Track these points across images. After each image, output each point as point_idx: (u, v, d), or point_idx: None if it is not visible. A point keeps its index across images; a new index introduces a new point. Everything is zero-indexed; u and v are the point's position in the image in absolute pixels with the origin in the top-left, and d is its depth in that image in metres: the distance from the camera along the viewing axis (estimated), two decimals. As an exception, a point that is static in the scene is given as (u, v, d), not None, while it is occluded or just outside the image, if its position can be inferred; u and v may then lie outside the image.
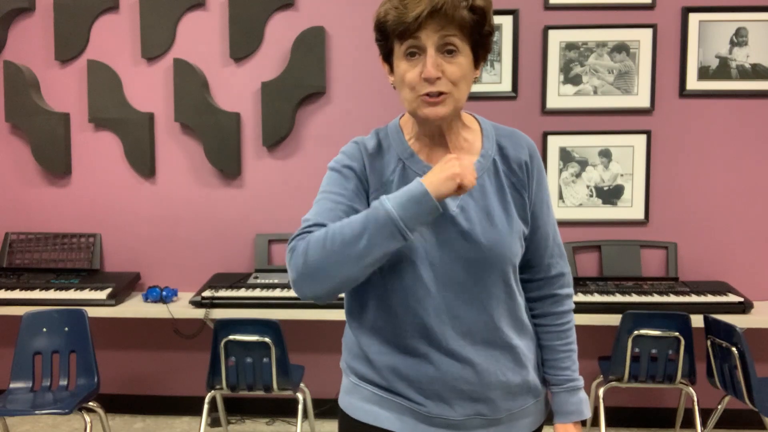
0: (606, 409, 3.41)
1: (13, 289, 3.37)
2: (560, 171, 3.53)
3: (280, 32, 3.58)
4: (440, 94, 1.23)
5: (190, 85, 3.56)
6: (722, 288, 3.31)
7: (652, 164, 3.51)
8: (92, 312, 3.19)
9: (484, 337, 1.31)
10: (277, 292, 3.26)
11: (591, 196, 3.54)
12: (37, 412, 2.73)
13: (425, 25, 1.20)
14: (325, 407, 3.64)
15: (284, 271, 3.54)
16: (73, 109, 3.70)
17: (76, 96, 3.69)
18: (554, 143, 3.51)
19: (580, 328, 3.55)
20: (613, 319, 3.05)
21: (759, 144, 3.48)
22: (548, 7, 3.48)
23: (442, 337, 1.29)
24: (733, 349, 2.75)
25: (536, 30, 3.50)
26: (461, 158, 1.20)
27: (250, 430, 3.61)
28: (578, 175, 3.53)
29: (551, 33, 3.48)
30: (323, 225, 1.25)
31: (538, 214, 1.38)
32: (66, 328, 2.99)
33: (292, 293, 3.23)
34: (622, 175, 3.52)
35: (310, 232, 1.25)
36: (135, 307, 3.32)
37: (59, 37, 3.64)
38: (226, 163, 3.61)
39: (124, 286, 3.44)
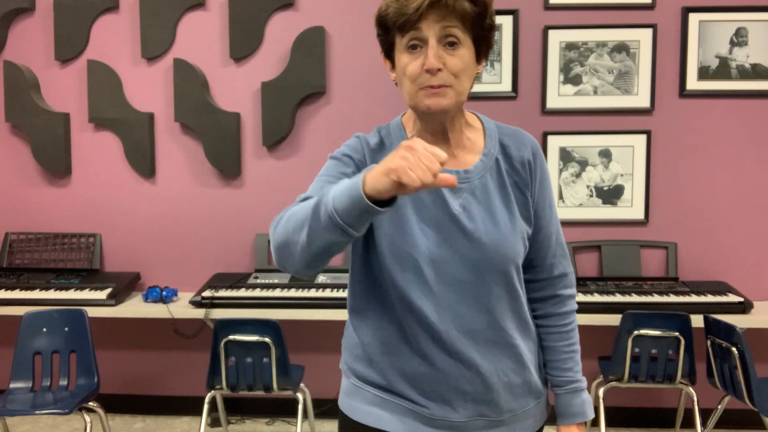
0: (606, 409, 3.41)
1: (13, 289, 3.37)
2: (560, 171, 3.53)
3: (280, 32, 3.58)
4: (442, 86, 1.23)
5: (190, 85, 3.56)
6: (722, 288, 3.31)
7: (652, 164, 3.51)
8: (92, 312, 3.19)
9: (486, 337, 1.30)
10: (277, 292, 3.26)
11: (591, 196, 3.54)
12: (37, 412, 2.73)
13: (426, 16, 1.20)
14: (325, 407, 3.64)
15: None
16: (73, 109, 3.70)
17: (76, 96, 3.69)
18: (554, 143, 3.51)
19: (580, 328, 3.54)
20: (613, 319, 3.05)
21: (759, 144, 3.48)
22: (548, 7, 3.48)
23: (445, 336, 1.29)
24: (733, 349, 2.75)
25: (536, 30, 3.50)
26: (416, 148, 1.01)
27: (250, 430, 3.61)
28: (578, 175, 3.53)
29: (551, 33, 3.48)
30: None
31: (540, 213, 1.36)
32: (66, 328, 2.99)
33: (292, 293, 3.23)
34: (622, 175, 3.52)
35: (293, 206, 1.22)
36: (135, 307, 3.32)
37: (59, 37, 3.64)
38: (226, 163, 3.61)
39: (124, 286, 3.44)
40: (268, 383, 2.88)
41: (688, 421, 3.44)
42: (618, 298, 3.19)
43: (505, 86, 3.52)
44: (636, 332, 2.91)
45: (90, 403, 2.93)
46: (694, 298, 3.16)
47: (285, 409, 3.73)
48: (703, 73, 3.46)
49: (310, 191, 1.26)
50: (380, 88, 3.57)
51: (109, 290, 3.34)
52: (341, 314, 3.15)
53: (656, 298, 3.17)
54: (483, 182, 1.31)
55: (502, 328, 1.31)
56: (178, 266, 3.71)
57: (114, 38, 3.66)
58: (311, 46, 3.53)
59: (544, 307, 1.41)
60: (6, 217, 3.77)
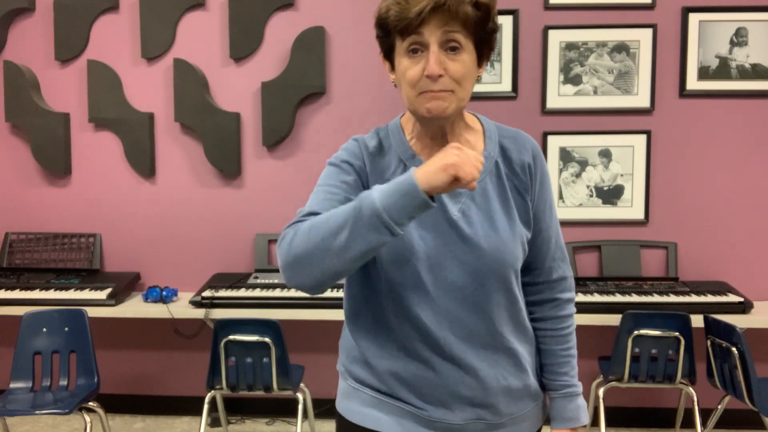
0: (606, 409, 3.40)
1: (13, 289, 3.37)
2: (560, 171, 3.53)
3: (280, 32, 3.58)
4: (443, 91, 1.21)
5: (190, 85, 3.56)
6: (722, 288, 3.31)
7: (652, 164, 3.51)
8: (92, 312, 3.19)
9: (485, 342, 1.29)
10: (277, 292, 3.26)
11: (591, 196, 3.54)
12: (37, 412, 2.73)
13: (428, 21, 1.18)
14: (325, 407, 3.64)
15: (284, 271, 3.53)
16: (73, 109, 3.70)
17: (76, 96, 3.69)
18: (554, 143, 3.51)
19: (580, 328, 3.54)
20: (613, 319, 3.05)
21: (759, 144, 3.48)
22: (548, 7, 3.48)
23: (443, 341, 1.28)
24: (733, 349, 2.75)
25: (536, 30, 3.50)
26: (463, 148, 1.12)
27: (250, 430, 3.61)
28: (578, 175, 3.53)
29: (551, 33, 3.48)
30: (317, 214, 1.22)
31: (540, 216, 1.35)
32: (66, 328, 2.99)
33: (292, 293, 3.23)
34: (622, 175, 3.52)
35: (301, 221, 1.21)
36: (135, 307, 3.32)
37: (59, 37, 3.64)
38: (226, 163, 3.61)
39: (124, 286, 3.44)
40: (268, 383, 2.88)
41: (688, 421, 3.44)
42: (618, 298, 3.19)
43: (505, 86, 3.52)
44: (636, 332, 2.91)
45: (90, 403, 2.93)
46: (694, 298, 3.16)
47: (285, 409, 3.73)
48: (703, 73, 3.46)
49: (312, 203, 1.25)
50: (380, 88, 3.57)
51: (109, 290, 3.34)
52: (341, 314, 3.15)
53: (656, 298, 3.17)
54: (482, 186, 1.30)
55: (501, 333, 1.30)
56: (178, 266, 3.71)
57: (114, 38, 3.66)
58: (311, 46, 3.53)
59: (542, 310, 1.40)
60: (6, 217, 3.77)
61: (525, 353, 1.35)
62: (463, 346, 1.29)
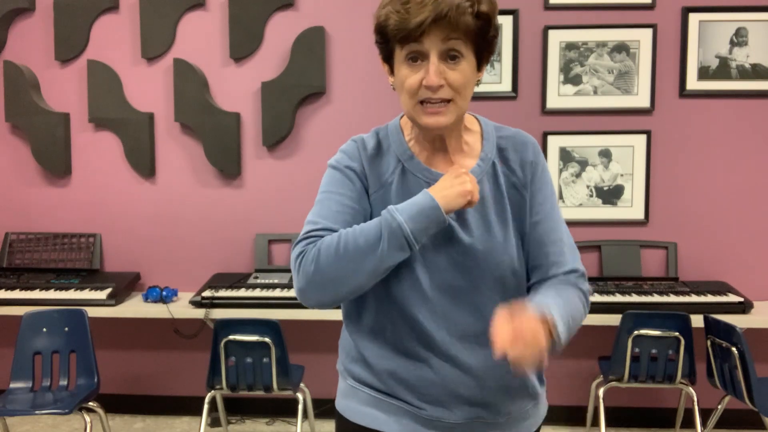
0: (606, 409, 3.40)
1: (13, 289, 3.37)
2: (560, 171, 3.53)
3: (280, 32, 3.58)
4: (442, 101, 1.20)
5: (190, 85, 3.56)
6: (722, 288, 3.31)
7: (652, 164, 3.51)
8: (92, 312, 3.19)
9: (482, 342, 1.29)
10: (277, 292, 3.26)
11: (591, 196, 3.53)
12: (37, 412, 2.73)
13: (428, 32, 1.16)
14: (325, 407, 3.64)
15: (284, 271, 3.54)
16: (73, 109, 3.70)
17: (76, 96, 3.69)
18: (554, 143, 3.51)
19: (580, 328, 3.54)
20: (613, 319, 3.05)
21: (759, 144, 3.48)
22: (548, 7, 3.48)
23: (440, 341, 1.28)
24: (733, 349, 2.75)
25: (536, 30, 3.50)
26: (467, 172, 1.21)
27: (250, 430, 3.61)
28: (578, 175, 3.53)
29: (551, 33, 3.48)
30: (331, 229, 1.23)
31: (538, 209, 1.32)
32: (66, 328, 2.99)
33: (292, 293, 3.23)
34: (622, 175, 3.52)
35: (319, 236, 1.23)
36: (135, 307, 3.32)
37: (59, 37, 3.64)
38: (226, 163, 3.61)
39: (124, 286, 3.44)
40: (268, 383, 2.88)
41: (688, 421, 3.44)
42: (618, 298, 3.19)
43: (505, 86, 3.52)
44: (636, 332, 2.91)
45: (90, 403, 2.93)
46: (694, 298, 3.16)
47: (285, 409, 3.73)
48: (703, 73, 3.46)
49: (322, 214, 1.26)
50: (380, 88, 3.57)
51: (109, 290, 3.34)
52: (341, 314, 3.14)
53: (656, 298, 3.17)
54: (480, 187, 1.29)
55: None
56: (178, 266, 3.71)
57: (114, 38, 3.66)
58: (311, 46, 3.52)
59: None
60: (6, 217, 3.77)
61: None
62: (460, 345, 1.29)
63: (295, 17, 3.58)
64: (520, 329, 1.08)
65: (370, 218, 1.29)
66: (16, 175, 3.76)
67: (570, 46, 3.48)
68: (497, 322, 1.10)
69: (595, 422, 3.43)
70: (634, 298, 3.18)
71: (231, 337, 2.83)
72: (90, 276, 3.56)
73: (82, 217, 3.73)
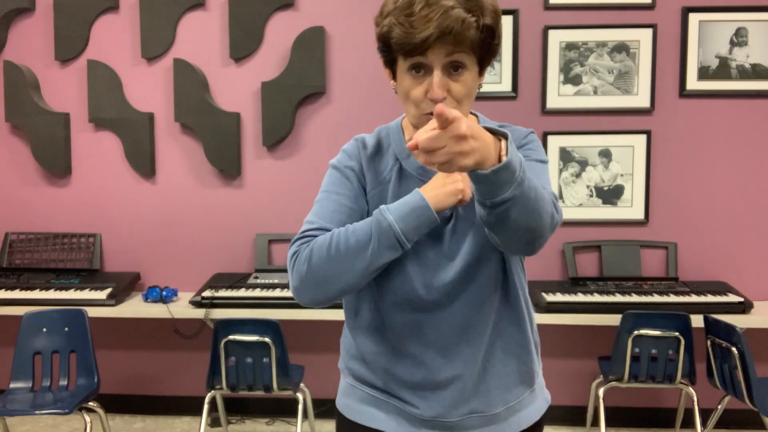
0: (606, 409, 3.40)
1: (13, 289, 3.37)
2: (560, 171, 3.53)
3: (280, 32, 3.58)
4: None
5: (190, 85, 3.56)
6: (722, 288, 3.31)
7: (652, 164, 3.51)
8: (92, 312, 3.19)
9: (477, 334, 1.30)
10: (277, 292, 3.26)
11: (591, 196, 3.53)
12: (37, 412, 2.73)
13: (433, 46, 1.16)
14: (325, 407, 3.64)
15: (284, 271, 3.54)
16: (73, 109, 3.70)
17: (76, 96, 3.69)
18: (554, 143, 3.51)
19: (580, 328, 3.55)
20: (613, 319, 3.05)
21: (759, 144, 3.48)
22: (548, 7, 3.48)
23: (434, 337, 1.29)
24: (733, 349, 2.75)
25: (536, 30, 3.50)
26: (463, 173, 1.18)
27: (250, 430, 3.61)
28: (578, 175, 3.53)
29: (551, 33, 3.48)
30: (326, 229, 1.25)
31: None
32: (66, 328, 2.99)
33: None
34: (622, 175, 3.52)
35: (313, 236, 1.25)
36: (135, 307, 3.32)
37: (59, 37, 3.64)
38: (226, 163, 3.61)
39: (124, 286, 3.44)
40: (268, 383, 2.88)
41: (688, 421, 3.44)
42: (618, 298, 3.19)
43: (505, 86, 3.52)
44: (636, 332, 2.91)
45: (90, 403, 2.93)
46: (694, 298, 3.16)
47: (285, 409, 3.73)
48: (703, 73, 3.46)
49: (319, 215, 1.27)
50: (380, 88, 3.57)
51: (109, 290, 3.34)
52: (341, 314, 3.14)
53: (656, 298, 3.17)
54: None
55: (494, 325, 1.31)
56: (178, 266, 3.71)
57: (114, 38, 3.66)
58: (311, 46, 3.52)
59: None
60: (6, 217, 3.77)
61: (519, 337, 1.34)
62: (455, 340, 1.30)
63: (295, 17, 3.58)
64: (451, 122, 0.95)
65: (368, 216, 1.30)
66: (16, 175, 3.76)
67: (570, 46, 3.48)
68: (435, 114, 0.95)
69: (595, 422, 3.43)
70: (634, 298, 3.18)
71: (231, 337, 2.83)
72: (90, 276, 3.56)
73: (82, 217, 3.73)
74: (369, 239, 1.18)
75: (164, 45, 3.61)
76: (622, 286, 3.33)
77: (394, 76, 1.28)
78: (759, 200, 3.49)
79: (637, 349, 2.94)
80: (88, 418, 2.83)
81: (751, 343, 3.45)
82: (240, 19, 3.56)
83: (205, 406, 3.03)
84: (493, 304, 1.31)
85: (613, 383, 3.05)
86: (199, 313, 3.22)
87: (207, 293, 3.27)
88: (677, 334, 2.89)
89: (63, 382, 2.98)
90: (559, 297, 3.19)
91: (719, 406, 3.03)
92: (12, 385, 2.93)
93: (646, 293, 3.23)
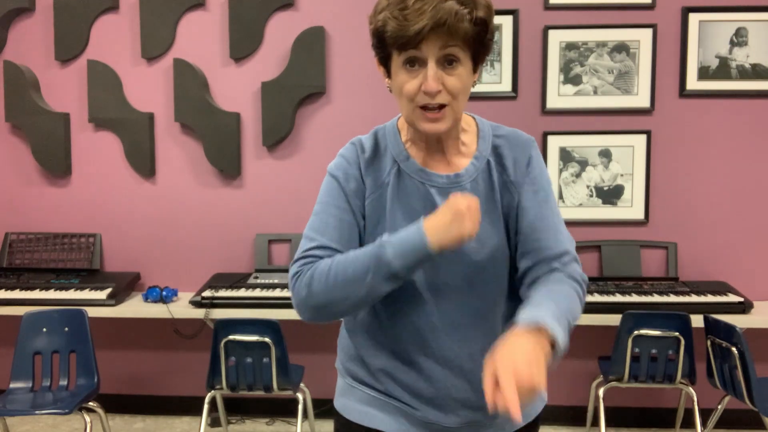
0: (606, 409, 3.40)
1: (13, 289, 3.37)
2: (560, 171, 3.53)
3: (280, 32, 3.58)
4: (440, 106, 1.21)
5: (190, 85, 3.56)
6: (722, 288, 3.31)
7: (652, 164, 3.51)
8: (92, 312, 3.19)
9: (480, 345, 1.29)
10: (277, 292, 3.26)
11: (591, 196, 3.53)
12: (37, 412, 2.73)
13: (427, 39, 1.17)
14: (325, 407, 3.64)
15: (284, 271, 3.54)
16: (73, 109, 3.70)
17: (76, 96, 3.69)
18: (554, 143, 3.51)
19: (580, 328, 3.54)
20: (613, 319, 3.05)
21: (759, 144, 3.48)
22: (548, 7, 3.48)
23: (435, 344, 1.29)
24: (733, 349, 2.75)
25: (536, 30, 3.50)
26: (470, 207, 1.16)
27: (250, 430, 3.61)
28: (578, 175, 3.53)
29: (551, 33, 3.48)
30: (327, 247, 1.26)
31: (531, 198, 1.30)
32: (66, 328, 2.99)
33: (292, 293, 3.23)
34: (622, 175, 3.52)
35: (315, 256, 1.26)
36: (135, 307, 3.32)
37: (59, 37, 3.64)
38: (226, 163, 3.61)
39: (124, 286, 3.44)
40: (268, 383, 2.88)
41: (688, 421, 3.44)
42: (618, 298, 3.19)
43: (505, 86, 3.52)
44: (636, 332, 2.91)
45: (90, 403, 2.93)
46: (694, 298, 3.16)
47: (285, 409, 3.73)
48: (703, 73, 3.46)
49: (319, 229, 1.28)
50: (380, 88, 3.57)
51: (109, 290, 3.34)
52: (341, 314, 3.15)
53: (656, 298, 3.17)
54: (474, 186, 1.30)
55: (496, 333, 1.30)
56: (178, 266, 3.71)
57: (114, 38, 3.66)
58: (311, 46, 3.52)
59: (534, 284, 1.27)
60: (6, 217, 3.77)
61: None
62: (456, 348, 1.29)
63: (295, 17, 3.58)
64: (515, 374, 1.01)
65: (364, 221, 1.30)
66: (16, 175, 3.76)
67: (570, 46, 3.48)
68: (487, 376, 1.04)
69: (595, 422, 3.43)
70: (634, 298, 3.18)
71: (231, 337, 2.83)
72: (90, 276, 3.56)
73: (82, 217, 3.73)
74: (367, 271, 1.19)
75: (164, 45, 3.61)
76: (622, 286, 3.33)
77: (388, 74, 1.27)
78: (759, 200, 3.49)
79: (637, 349, 2.94)
80: (88, 418, 2.83)
81: (751, 343, 3.45)
82: (240, 19, 3.56)
83: (205, 406, 3.03)
84: (499, 314, 1.31)
85: (613, 383, 3.05)
86: (199, 313, 3.22)
87: (207, 293, 3.27)
88: (677, 334, 2.89)
89: (63, 382, 2.98)
90: (559, 297, 3.18)
91: (719, 406, 3.03)
92: (12, 385, 2.93)
93: (646, 293, 3.23)
